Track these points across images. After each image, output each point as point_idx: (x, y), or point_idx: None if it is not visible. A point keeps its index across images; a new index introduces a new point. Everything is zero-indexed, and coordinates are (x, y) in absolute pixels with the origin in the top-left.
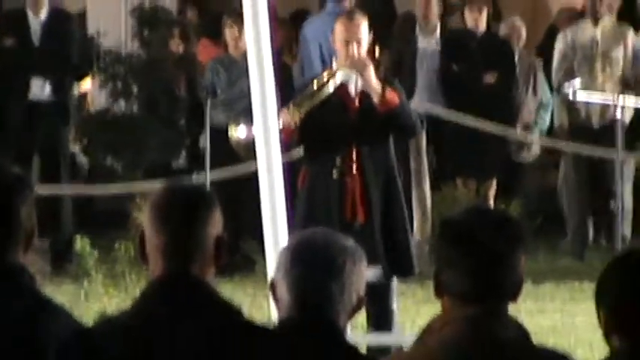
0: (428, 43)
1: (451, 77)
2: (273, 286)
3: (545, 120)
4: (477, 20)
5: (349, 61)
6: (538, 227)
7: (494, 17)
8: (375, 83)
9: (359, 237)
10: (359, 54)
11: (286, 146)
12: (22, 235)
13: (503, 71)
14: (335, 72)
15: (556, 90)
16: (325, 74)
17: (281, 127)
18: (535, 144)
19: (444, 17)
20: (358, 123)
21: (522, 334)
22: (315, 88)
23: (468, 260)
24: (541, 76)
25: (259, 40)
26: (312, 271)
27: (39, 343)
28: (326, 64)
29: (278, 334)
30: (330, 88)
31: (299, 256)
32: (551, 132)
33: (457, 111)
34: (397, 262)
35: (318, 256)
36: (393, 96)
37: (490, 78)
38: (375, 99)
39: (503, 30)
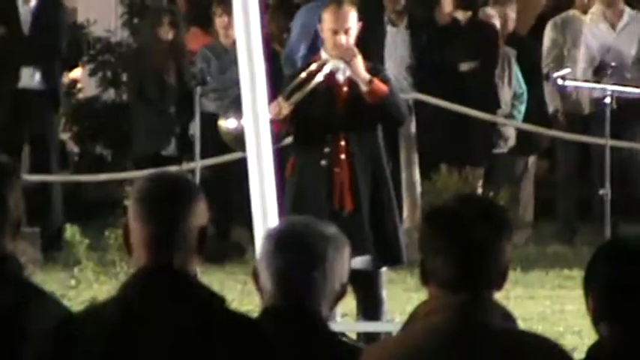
0: (397, 31)
1: (431, 65)
2: (255, 275)
3: (521, 111)
4: (450, 8)
5: (337, 50)
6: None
7: (483, 3)
8: (362, 73)
9: (347, 226)
10: (347, 43)
11: (276, 138)
12: (9, 223)
13: (485, 59)
14: (324, 61)
15: (545, 77)
16: (315, 65)
17: (270, 118)
18: (511, 135)
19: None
20: (347, 111)
21: (509, 321)
22: (304, 77)
23: (453, 248)
24: (514, 67)
25: (249, 28)
26: (294, 259)
27: (26, 330)
28: (312, 51)
29: (261, 323)
30: (320, 77)
31: (281, 245)
32: (525, 122)
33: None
34: (385, 251)
35: (300, 245)
36: (381, 85)
37: (466, 67)
38: (364, 88)
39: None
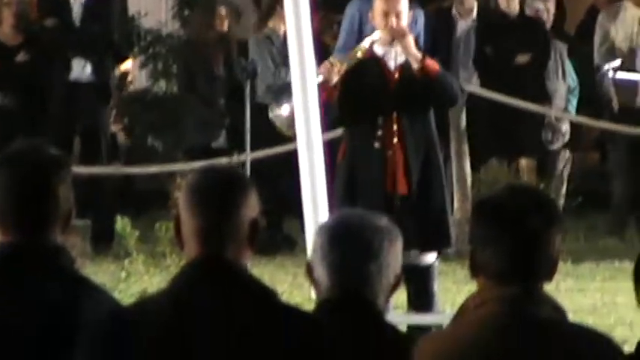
0: (465, 24)
1: (485, 59)
2: (309, 268)
3: (574, 104)
4: (510, 2)
5: (389, 30)
6: (578, 206)
7: None
8: (414, 50)
9: (399, 211)
10: (398, 24)
11: (325, 105)
12: (60, 216)
13: (537, 53)
14: (374, 41)
15: (596, 70)
16: (367, 43)
17: (321, 80)
18: (567, 130)
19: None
20: (398, 95)
21: (559, 313)
22: (356, 52)
23: (503, 239)
24: (567, 61)
25: (299, 20)
26: (350, 252)
27: (77, 323)
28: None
29: (316, 316)
30: (367, 43)
31: (335, 238)
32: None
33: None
34: (434, 234)
35: (355, 238)
36: (433, 63)
37: (522, 59)
38: (415, 65)
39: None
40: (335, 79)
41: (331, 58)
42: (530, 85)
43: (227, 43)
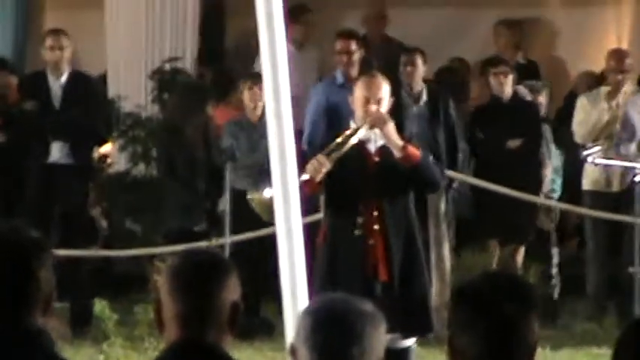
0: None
1: (476, 143)
2: (293, 351)
3: (559, 185)
4: (503, 85)
5: (370, 117)
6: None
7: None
8: (396, 138)
9: (379, 297)
10: (378, 111)
11: (307, 200)
12: (40, 299)
13: (530, 136)
14: (357, 129)
15: (577, 153)
16: (348, 131)
17: (307, 177)
18: (555, 211)
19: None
20: (378, 180)
21: None
22: (340, 141)
23: (481, 325)
24: (551, 143)
25: (279, 98)
26: (333, 337)
27: None
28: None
29: None
30: (354, 139)
31: (319, 321)
32: (561, 197)
33: (484, 176)
34: (415, 321)
35: (338, 322)
36: (414, 150)
37: (514, 144)
38: (397, 154)
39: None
40: (320, 176)
41: (319, 157)
42: (522, 169)
43: (206, 127)
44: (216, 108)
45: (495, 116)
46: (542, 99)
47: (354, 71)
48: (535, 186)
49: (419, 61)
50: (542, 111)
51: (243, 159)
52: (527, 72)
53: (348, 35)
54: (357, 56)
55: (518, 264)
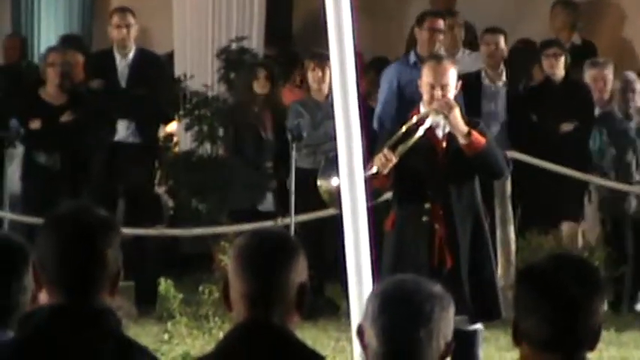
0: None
1: (529, 126)
2: (361, 333)
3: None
4: (554, 67)
5: (435, 103)
6: (621, 275)
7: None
8: (461, 125)
9: (446, 284)
10: (444, 97)
11: (379, 193)
12: (107, 278)
13: (581, 120)
14: (424, 115)
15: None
16: (415, 118)
17: (374, 171)
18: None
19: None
20: (446, 166)
21: None
22: (405, 130)
23: (546, 308)
24: None
25: (346, 85)
26: (401, 318)
27: None
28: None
29: None
30: (421, 131)
31: (387, 303)
32: None
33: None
34: (484, 306)
35: (407, 303)
36: (479, 137)
37: (567, 127)
38: (462, 141)
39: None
40: (387, 170)
41: (385, 151)
42: (574, 151)
43: (274, 106)
44: (283, 88)
45: (547, 98)
46: (609, 73)
47: (436, 50)
48: (584, 167)
49: (502, 41)
50: (609, 86)
51: (306, 138)
52: (583, 53)
53: (437, 14)
54: (442, 36)
55: (574, 246)
